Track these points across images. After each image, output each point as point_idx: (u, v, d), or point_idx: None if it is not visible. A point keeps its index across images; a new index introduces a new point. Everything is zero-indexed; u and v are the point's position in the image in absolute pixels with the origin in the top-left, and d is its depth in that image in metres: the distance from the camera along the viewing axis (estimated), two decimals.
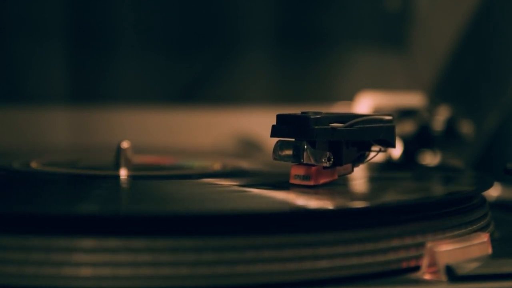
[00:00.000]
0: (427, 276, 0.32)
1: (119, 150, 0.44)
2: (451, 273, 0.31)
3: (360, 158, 0.39)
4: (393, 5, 0.76)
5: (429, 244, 0.32)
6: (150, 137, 0.71)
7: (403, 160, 0.56)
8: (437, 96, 0.66)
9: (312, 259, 0.30)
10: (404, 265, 0.32)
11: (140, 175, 0.44)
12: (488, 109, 0.66)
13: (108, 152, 0.47)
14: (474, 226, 0.36)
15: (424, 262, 0.32)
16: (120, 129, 0.71)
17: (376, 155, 0.40)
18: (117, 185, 0.40)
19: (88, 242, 0.29)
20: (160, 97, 0.74)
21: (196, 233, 0.29)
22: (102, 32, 0.72)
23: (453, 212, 0.35)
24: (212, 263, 0.29)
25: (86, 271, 0.28)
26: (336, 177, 0.38)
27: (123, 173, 0.43)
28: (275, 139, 0.38)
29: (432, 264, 0.32)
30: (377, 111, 0.59)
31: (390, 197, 0.39)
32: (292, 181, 0.37)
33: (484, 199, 0.40)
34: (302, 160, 0.37)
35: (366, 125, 0.38)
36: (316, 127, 0.36)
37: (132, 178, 0.42)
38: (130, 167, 0.44)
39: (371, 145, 0.39)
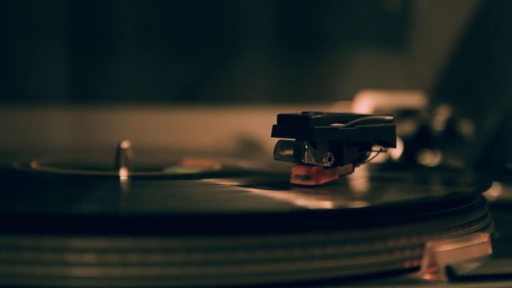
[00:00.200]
0: (427, 276, 0.32)
1: (119, 150, 0.44)
2: (451, 273, 0.31)
3: (360, 158, 0.39)
4: (393, 5, 0.76)
5: (429, 244, 0.32)
6: (150, 137, 0.71)
7: (403, 160, 0.56)
8: (437, 96, 0.66)
9: (312, 259, 0.30)
10: (404, 265, 0.32)
11: (140, 175, 0.44)
12: (488, 109, 0.66)
13: (108, 152, 0.47)
14: (474, 226, 0.36)
15: (424, 262, 0.32)
16: (120, 129, 0.71)
17: (376, 155, 0.40)
18: (117, 185, 0.40)
19: (99, 242, 0.29)
20: (160, 97, 0.74)
21: (196, 233, 0.29)
22: (102, 32, 0.72)
23: (453, 212, 0.35)
24: (217, 263, 0.29)
25: (93, 271, 0.29)
26: (337, 177, 0.38)
27: (123, 173, 0.43)
28: (276, 139, 0.38)
29: (432, 264, 0.32)
30: (377, 111, 0.59)
31: (390, 197, 0.39)
32: (293, 181, 0.37)
33: (484, 199, 0.40)
34: (303, 160, 0.37)
35: (367, 125, 0.38)
36: (317, 127, 0.36)
37: (132, 178, 0.42)
38: (130, 167, 0.44)
39: (372, 145, 0.39)
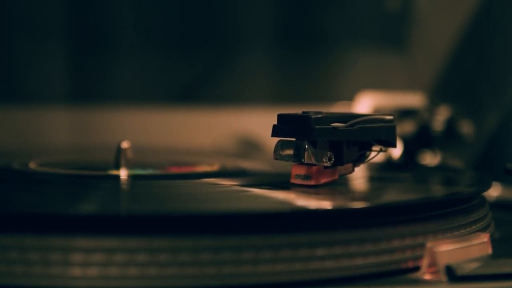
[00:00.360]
0: (427, 276, 0.32)
1: (119, 150, 0.44)
2: (451, 273, 0.31)
3: (361, 158, 0.39)
4: (393, 5, 0.76)
5: (429, 244, 0.32)
6: (150, 137, 0.71)
7: (403, 160, 0.56)
8: (437, 96, 0.66)
9: (311, 259, 0.30)
10: (404, 265, 0.32)
11: (140, 175, 0.44)
12: (488, 109, 0.66)
13: (108, 152, 0.47)
14: (474, 227, 0.36)
15: (424, 262, 0.32)
16: (120, 129, 0.71)
17: (376, 155, 0.40)
18: (117, 185, 0.40)
19: (108, 242, 0.29)
20: (160, 97, 0.74)
21: (196, 233, 0.29)
22: (102, 32, 0.72)
23: (453, 212, 0.35)
24: (215, 263, 0.29)
25: (92, 271, 0.29)
26: (337, 176, 0.38)
27: (123, 173, 0.43)
28: (275, 139, 0.38)
29: (432, 264, 0.32)
30: (377, 111, 0.59)
31: (390, 197, 0.39)
32: (293, 180, 0.37)
33: (484, 199, 0.40)
34: (303, 160, 0.37)
35: (367, 125, 0.38)
36: (317, 126, 0.36)
37: (132, 178, 0.42)
38: (130, 167, 0.44)
39: (372, 145, 0.39)
